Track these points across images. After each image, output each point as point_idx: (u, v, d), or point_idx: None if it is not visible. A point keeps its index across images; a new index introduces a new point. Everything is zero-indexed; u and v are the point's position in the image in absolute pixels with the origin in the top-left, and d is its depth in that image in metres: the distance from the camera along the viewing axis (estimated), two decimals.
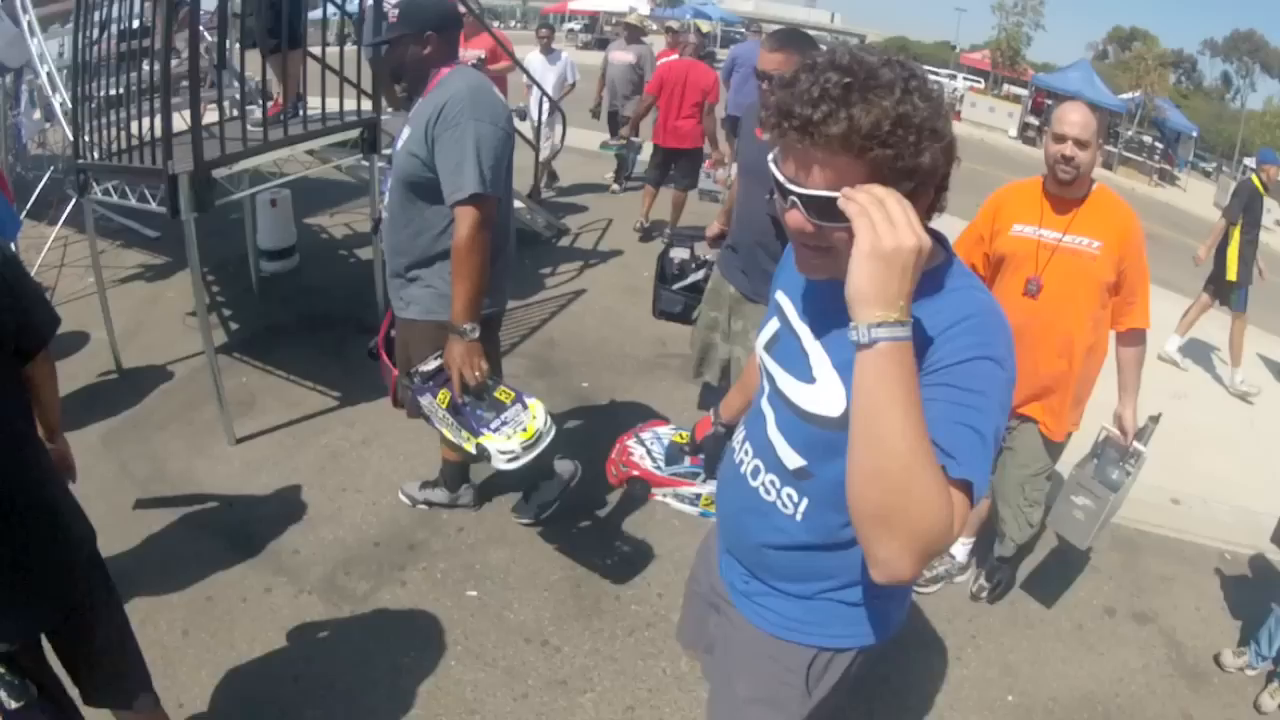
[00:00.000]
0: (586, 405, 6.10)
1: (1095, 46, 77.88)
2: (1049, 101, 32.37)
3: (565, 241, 9.87)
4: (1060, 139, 3.70)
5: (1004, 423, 1.67)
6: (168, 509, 4.94)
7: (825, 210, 1.53)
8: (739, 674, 2.23)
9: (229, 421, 5.62)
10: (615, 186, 12.54)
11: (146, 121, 5.77)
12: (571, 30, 59.57)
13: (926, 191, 1.62)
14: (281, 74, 6.81)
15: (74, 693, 2.76)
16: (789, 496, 1.94)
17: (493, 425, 3.53)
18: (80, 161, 6.22)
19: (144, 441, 5.56)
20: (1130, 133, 30.84)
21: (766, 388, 2.02)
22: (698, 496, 2.88)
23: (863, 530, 1.52)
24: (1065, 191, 3.80)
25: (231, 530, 4.81)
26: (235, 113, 6.62)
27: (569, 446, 4.95)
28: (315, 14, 7.64)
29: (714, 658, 2.41)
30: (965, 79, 51.35)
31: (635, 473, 2.91)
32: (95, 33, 6.06)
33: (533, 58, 11.04)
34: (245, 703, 3.72)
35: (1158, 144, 31.24)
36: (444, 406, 3.68)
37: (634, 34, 12.01)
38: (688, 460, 2.86)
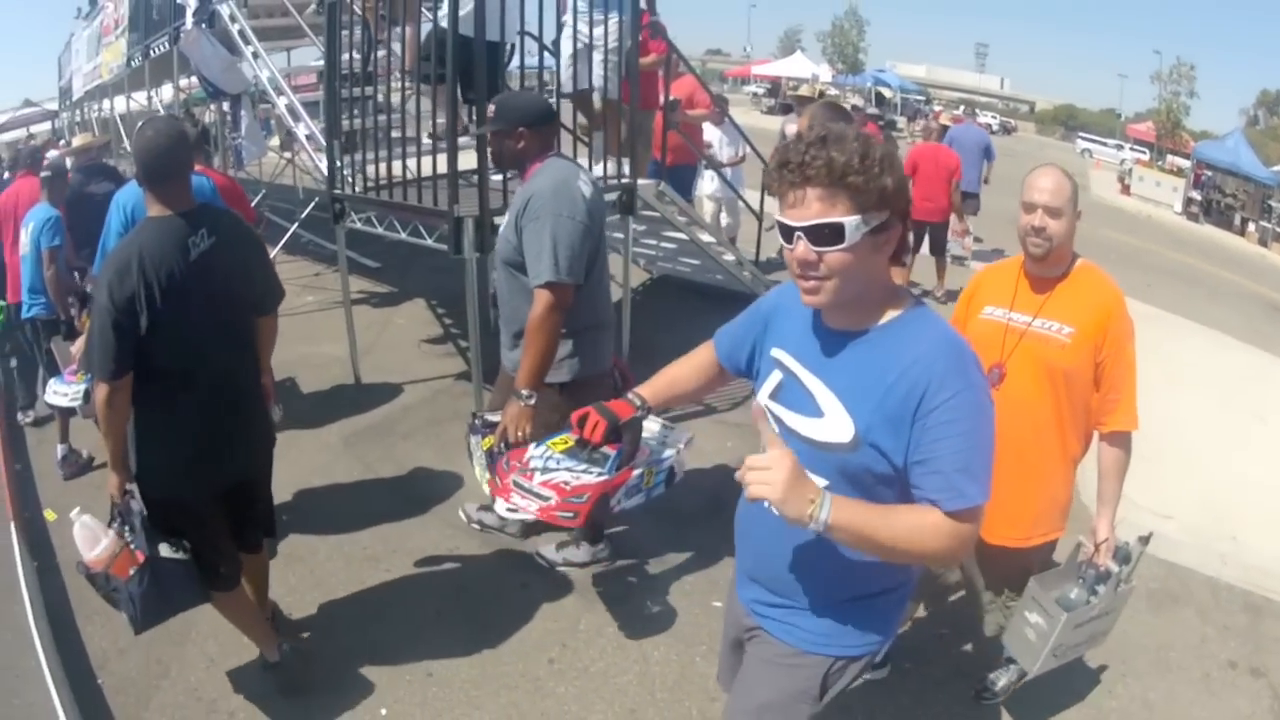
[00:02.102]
0: None
1: (1247, 112, 76.18)
2: (1208, 173, 31.81)
3: None
4: (1030, 208, 3.53)
5: (992, 423, 2.22)
6: (418, 507, 5.69)
7: (822, 237, 2.10)
8: (761, 682, 2.63)
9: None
10: None
11: (401, 160, 6.67)
12: (755, 95, 61.01)
13: (896, 225, 2.20)
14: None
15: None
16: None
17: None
18: (336, 192, 7.05)
19: (389, 448, 6.36)
20: None
21: (776, 429, 2.43)
22: (641, 478, 3.15)
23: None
24: (1041, 269, 3.63)
25: (486, 533, 5.53)
26: None
27: None
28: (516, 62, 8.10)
29: (739, 673, 2.78)
30: (1132, 149, 50.89)
31: (589, 490, 2.99)
32: (350, 67, 7.03)
33: (708, 130, 11.42)
34: (498, 676, 4.42)
35: None
36: (484, 449, 4.19)
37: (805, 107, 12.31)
38: (606, 449, 2.93)
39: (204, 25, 10.36)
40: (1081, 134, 63.57)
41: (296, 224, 11.48)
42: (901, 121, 33.31)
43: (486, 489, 4.07)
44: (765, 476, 2.02)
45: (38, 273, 6.69)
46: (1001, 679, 4.36)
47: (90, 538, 3.71)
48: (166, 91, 17.44)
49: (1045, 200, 3.46)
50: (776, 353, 2.50)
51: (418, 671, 4.45)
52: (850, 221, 2.09)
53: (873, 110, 16.78)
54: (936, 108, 41.81)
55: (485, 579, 5.17)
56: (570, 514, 2.93)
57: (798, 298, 2.39)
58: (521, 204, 4.31)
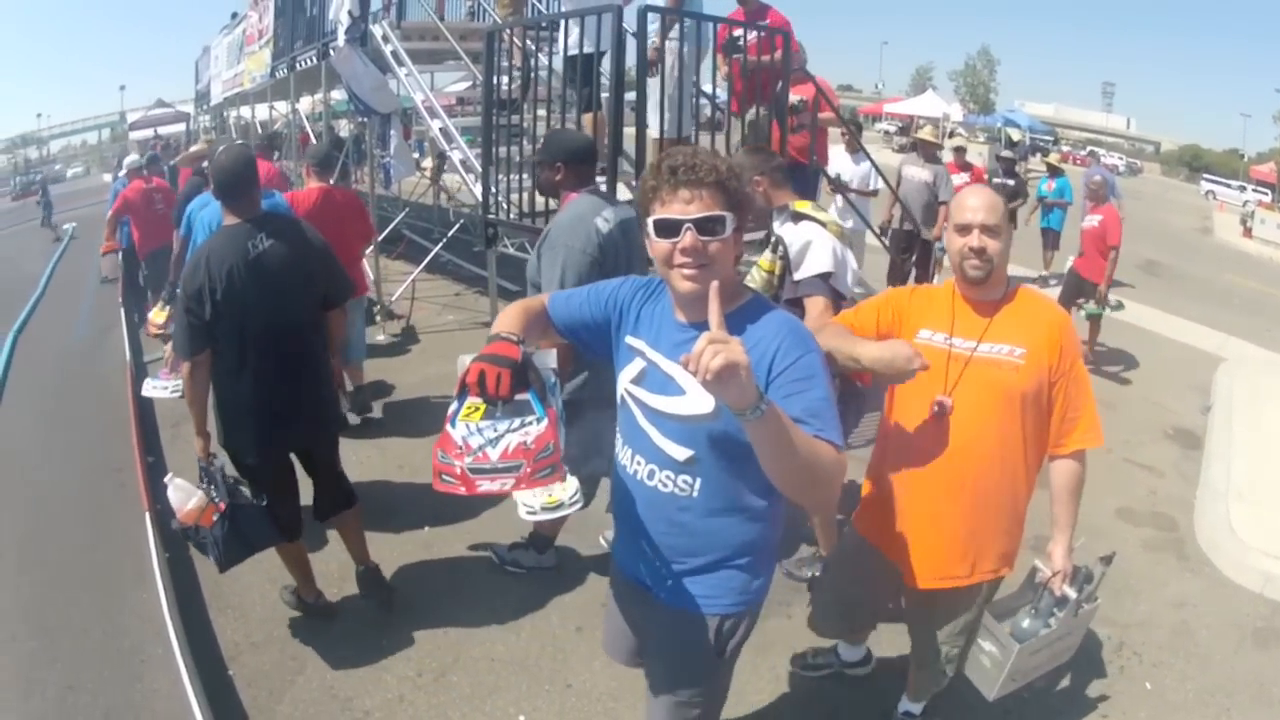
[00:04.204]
0: None
1: None
2: None
3: None
4: (964, 229, 3.37)
5: (829, 376, 2.55)
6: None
7: (707, 228, 2.50)
8: (663, 645, 3.06)
9: None
10: None
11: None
12: (887, 132, 60.32)
13: (743, 227, 2.65)
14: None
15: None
16: (685, 482, 2.76)
17: None
18: (490, 216, 7.58)
19: None
20: None
21: (639, 412, 2.83)
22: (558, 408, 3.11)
23: (795, 498, 2.55)
24: (980, 293, 3.46)
25: None
26: None
27: None
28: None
29: (645, 644, 3.21)
30: (1254, 190, 49.86)
31: (550, 443, 2.66)
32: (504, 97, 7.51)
33: (837, 160, 11.06)
34: (636, 690, 4.11)
35: None
36: None
37: (929, 151, 12.23)
38: (517, 397, 2.65)
39: (356, 43, 10.76)
40: (1206, 175, 62.62)
41: (440, 244, 12.10)
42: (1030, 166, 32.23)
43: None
44: (728, 349, 2.03)
45: None
46: None
47: (182, 497, 4.57)
48: (305, 102, 18.10)
49: (981, 219, 3.34)
50: (634, 341, 2.87)
51: (557, 682, 4.72)
52: (729, 216, 2.54)
53: (1006, 153, 16.44)
54: (1064, 148, 40.54)
55: None
56: (548, 469, 2.67)
57: (652, 293, 2.90)
58: (545, 232, 4.84)
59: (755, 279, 5.03)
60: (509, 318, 2.89)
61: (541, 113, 8.39)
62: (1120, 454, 8.09)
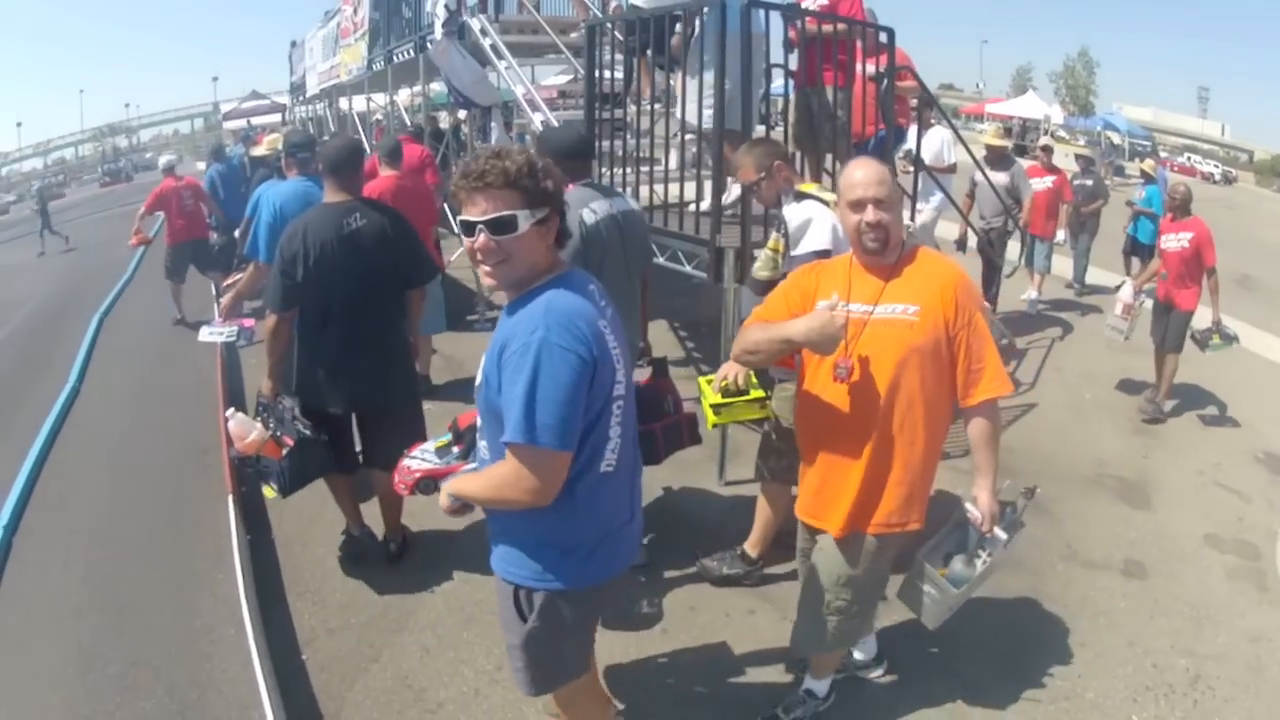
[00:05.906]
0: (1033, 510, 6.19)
1: None
2: None
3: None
4: (858, 205, 3.50)
5: (561, 366, 2.69)
6: (649, 526, 5.62)
7: (499, 228, 2.72)
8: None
9: (724, 464, 6.72)
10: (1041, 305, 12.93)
11: (664, 185, 7.23)
12: (983, 132, 59.79)
13: (554, 219, 2.88)
14: None
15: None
16: (483, 447, 3.09)
17: None
18: None
19: None
20: None
21: None
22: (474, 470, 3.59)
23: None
24: (875, 260, 3.60)
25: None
26: None
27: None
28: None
29: None
30: None
31: (418, 474, 4.33)
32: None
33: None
34: (716, 699, 4.53)
35: None
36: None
37: (995, 154, 11.67)
38: (455, 450, 4.16)
39: (454, 36, 11.00)
40: None
41: None
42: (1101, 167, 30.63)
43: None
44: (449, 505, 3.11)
45: None
46: (796, 709, 4.32)
47: (242, 430, 5.12)
48: (403, 94, 18.30)
49: (874, 194, 3.47)
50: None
51: (637, 684, 4.62)
52: (522, 214, 2.75)
53: (1083, 151, 16.33)
54: (1162, 154, 39.29)
55: (716, 601, 5.31)
56: (400, 483, 4.58)
57: None
58: None
59: (764, 258, 5.29)
60: None
61: (645, 106, 8.44)
62: (1210, 477, 7.94)
